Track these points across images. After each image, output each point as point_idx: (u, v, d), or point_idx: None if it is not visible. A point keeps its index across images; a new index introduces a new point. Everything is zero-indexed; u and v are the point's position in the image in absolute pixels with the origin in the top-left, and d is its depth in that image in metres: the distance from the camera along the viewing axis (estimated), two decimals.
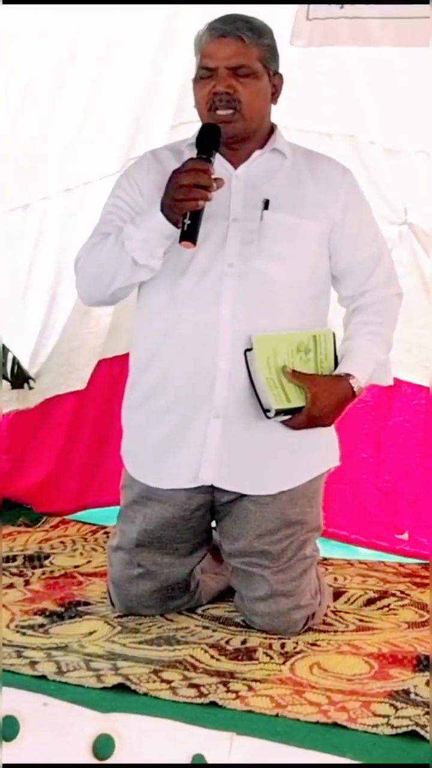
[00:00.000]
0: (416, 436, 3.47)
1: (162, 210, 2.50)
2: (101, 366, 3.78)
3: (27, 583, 3.02)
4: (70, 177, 3.66)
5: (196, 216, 2.46)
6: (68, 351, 3.78)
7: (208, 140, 2.54)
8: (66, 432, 3.82)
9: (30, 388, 3.75)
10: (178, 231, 2.48)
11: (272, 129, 2.71)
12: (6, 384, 3.67)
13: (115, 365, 3.69)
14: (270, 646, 2.55)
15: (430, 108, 3.32)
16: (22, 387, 3.74)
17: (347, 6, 3.23)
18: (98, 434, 3.75)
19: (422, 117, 3.34)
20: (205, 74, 2.59)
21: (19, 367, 3.71)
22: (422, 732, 2.08)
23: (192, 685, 2.27)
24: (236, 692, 2.25)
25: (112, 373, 3.74)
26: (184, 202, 2.46)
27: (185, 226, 2.46)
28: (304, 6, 3.28)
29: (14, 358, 3.68)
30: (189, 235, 2.46)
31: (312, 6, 3.27)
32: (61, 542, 3.47)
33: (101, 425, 3.73)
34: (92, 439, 3.78)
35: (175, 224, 2.49)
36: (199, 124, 2.62)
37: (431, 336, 3.37)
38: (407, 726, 2.10)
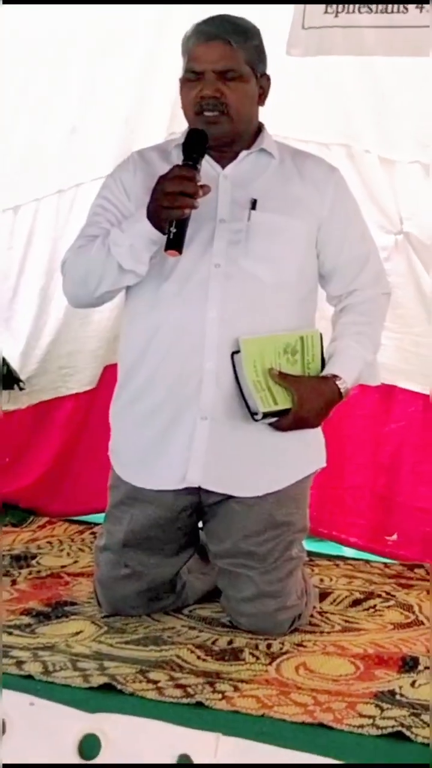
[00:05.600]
0: (412, 442, 3.49)
1: (148, 216, 2.49)
2: (107, 371, 3.75)
3: (14, 582, 3.02)
4: (63, 178, 3.65)
5: (182, 224, 2.45)
6: (67, 354, 3.74)
7: (195, 146, 2.53)
8: (65, 434, 3.79)
9: (21, 389, 3.74)
10: (164, 237, 2.46)
11: (260, 129, 2.70)
12: None
13: None
14: (256, 647, 2.56)
15: (425, 118, 3.32)
16: (12, 388, 3.73)
17: (342, 15, 3.24)
18: (103, 439, 3.72)
19: (417, 127, 3.33)
20: (192, 77, 2.59)
21: (9, 368, 3.70)
22: (407, 733, 2.08)
23: (178, 686, 2.28)
24: (222, 693, 2.26)
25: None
26: (170, 210, 2.45)
27: (171, 234, 2.45)
28: (300, 15, 3.29)
29: (3, 359, 3.67)
30: (175, 243, 2.45)
31: (307, 15, 3.28)
32: (48, 542, 3.46)
33: (106, 430, 3.71)
34: (97, 444, 3.75)
35: (161, 230, 2.48)
36: None
37: (430, 345, 3.37)
38: (393, 727, 2.11)
